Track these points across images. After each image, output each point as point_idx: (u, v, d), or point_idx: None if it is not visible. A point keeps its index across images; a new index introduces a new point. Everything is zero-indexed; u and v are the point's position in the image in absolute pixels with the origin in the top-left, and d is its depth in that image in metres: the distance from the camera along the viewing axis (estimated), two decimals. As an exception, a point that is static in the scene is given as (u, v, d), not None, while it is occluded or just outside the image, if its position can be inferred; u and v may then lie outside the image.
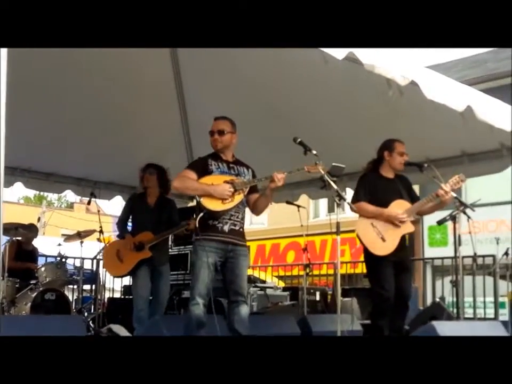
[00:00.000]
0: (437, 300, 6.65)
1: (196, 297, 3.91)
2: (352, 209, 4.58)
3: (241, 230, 4.18)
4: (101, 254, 7.30)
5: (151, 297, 5.57)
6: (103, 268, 5.50)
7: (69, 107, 5.86)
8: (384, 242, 4.72)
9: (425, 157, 6.11)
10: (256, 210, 4.30)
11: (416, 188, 8.19)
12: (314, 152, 4.06)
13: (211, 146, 4.25)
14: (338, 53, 3.36)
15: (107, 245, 5.94)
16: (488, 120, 4.26)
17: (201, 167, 4.11)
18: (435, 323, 3.22)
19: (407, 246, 5.05)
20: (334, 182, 4.09)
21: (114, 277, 5.47)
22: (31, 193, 31.14)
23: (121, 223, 5.76)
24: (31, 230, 6.83)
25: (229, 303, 4.09)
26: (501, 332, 3.58)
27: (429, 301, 10.22)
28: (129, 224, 5.90)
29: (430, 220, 10.33)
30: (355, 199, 4.85)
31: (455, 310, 5.63)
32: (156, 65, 5.77)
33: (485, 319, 7.08)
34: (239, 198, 4.06)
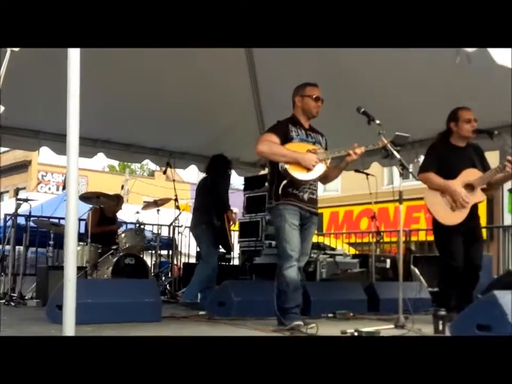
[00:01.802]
0: (511, 268, 6.47)
1: (291, 260, 3.94)
2: (419, 178, 4.53)
3: (316, 198, 4.24)
4: (177, 221, 7.64)
5: None
6: None
7: (145, 80, 6.09)
8: (453, 212, 4.64)
9: (502, 122, 5.91)
10: (326, 180, 4.34)
11: (495, 154, 7.92)
12: (377, 121, 4.04)
13: (309, 111, 4.21)
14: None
15: None
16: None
17: (283, 133, 4.08)
18: (496, 292, 3.18)
19: (478, 215, 4.93)
20: (398, 151, 4.08)
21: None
22: (116, 162, 32.34)
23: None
24: (113, 199, 7.04)
25: None
26: None
27: (509, 269, 9.91)
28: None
29: (509, 184, 9.93)
30: (422, 170, 4.78)
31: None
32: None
33: None
34: (322, 168, 4.07)
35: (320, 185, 4.41)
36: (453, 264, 4.62)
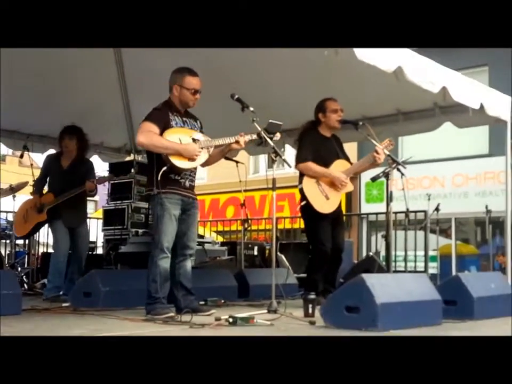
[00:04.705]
0: (370, 253, 6.87)
1: (165, 251, 3.90)
2: (298, 168, 4.65)
3: (195, 185, 4.22)
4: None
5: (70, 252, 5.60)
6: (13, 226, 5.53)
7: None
8: (328, 200, 4.86)
9: (361, 114, 6.25)
10: (206, 164, 4.30)
11: (354, 145, 8.33)
12: (251, 108, 4.07)
13: (186, 103, 4.14)
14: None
15: (21, 204, 5.84)
16: (416, 81, 4.35)
17: (163, 121, 3.99)
18: (364, 275, 3.34)
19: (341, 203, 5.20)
20: (271, 138, 4.13)
21: (17, 237, 5.60)
22: (-39, 145, 29.54)
23: (38, 182, 5.70)
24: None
25: (175, 256, 4.06)
26: (425, 283, 3.75)
27: (364, 255, 10.55)
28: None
29: (366, 177, 10.57)
30: (302, 159, 4.90)
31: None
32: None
33: (415, 272, 7.40)
34: (205, 157, 4.07)
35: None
36: (323, 249, 4.83)
